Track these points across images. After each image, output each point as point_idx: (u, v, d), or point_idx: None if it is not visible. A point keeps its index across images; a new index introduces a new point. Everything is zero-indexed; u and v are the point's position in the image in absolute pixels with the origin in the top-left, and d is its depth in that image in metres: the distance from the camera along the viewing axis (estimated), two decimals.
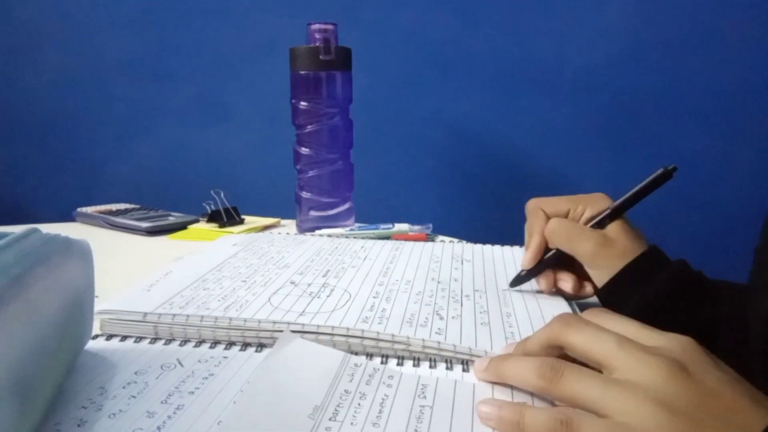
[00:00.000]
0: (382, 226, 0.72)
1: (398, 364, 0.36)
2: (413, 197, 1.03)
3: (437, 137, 1.02)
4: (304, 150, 0.74)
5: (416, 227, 0.72)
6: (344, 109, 0.74)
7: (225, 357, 0.36)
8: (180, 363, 0.35)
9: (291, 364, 0.33)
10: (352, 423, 0.28)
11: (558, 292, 0.48)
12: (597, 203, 0.47)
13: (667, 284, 0.42)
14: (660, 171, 0.46)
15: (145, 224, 0.75)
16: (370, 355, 0.37)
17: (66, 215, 0.85)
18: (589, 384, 0.27)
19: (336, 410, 0.29)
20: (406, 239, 0.67)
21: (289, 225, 0.82)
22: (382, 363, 0.36)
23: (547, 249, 0.48)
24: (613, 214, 0.46)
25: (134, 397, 0.30)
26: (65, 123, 1.07)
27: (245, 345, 0.38)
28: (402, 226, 0.72)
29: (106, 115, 1.06)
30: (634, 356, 0.27)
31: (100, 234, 0.77)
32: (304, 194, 0.75)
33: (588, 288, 0.47)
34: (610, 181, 1.02)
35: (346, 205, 0.76)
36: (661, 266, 0.44)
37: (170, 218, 0.79)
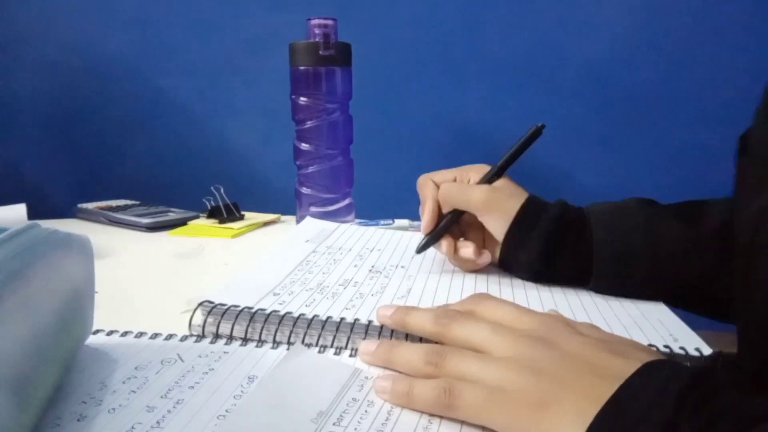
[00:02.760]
0: (382, 222, 0.72)
1: (336, 353, 0.36)
2: (413, 193, 1.03)
3: (437, 133, 1.02)
4: (304, 146, 0.74)
5: (417, 223, 0.72)
6: (344, 105, 0.74)
7: (225, 352, 0.36)
8: (180, 358, 0.35)
9: (299, 372, 0.33)
10: (356, 429, 0.28)
11: (458, 261, 0.52)
12: (480, 171, 0.53)
13: (550, 225, 0.49)
14: (532, 129, 0.53)
15: (145, 220, 0.75)
16: None
17: (66, 211, 0.85)
18: (469, 363, 0.31)
19: (341, 416, 0.29)
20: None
21: (289, 221, 0.82)
22: (319, 353, 0.36)
23: (441, 216, 0.53)
24: (498, 173, 0.52)
25: (134, 392, 0.30)
26: (65, 119, 1.06)
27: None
28: (402, 222, 0.72)
29: (105, 112, 1.06)
30: (506, 339, 0.31)
31: (101, 230, 0.77)
32: (304, 190, 0.75)
33: (485, 255, 0.51)
34: (612, 178, 1.02)
35: (346, 201, 0.76)
36: (542, 210, 0.50)
37: (170, 214, 0.79)
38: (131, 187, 1.01)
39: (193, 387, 0.31)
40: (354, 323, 0.38)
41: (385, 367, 0.34)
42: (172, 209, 0.82)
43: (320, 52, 0.70)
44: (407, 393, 0.30)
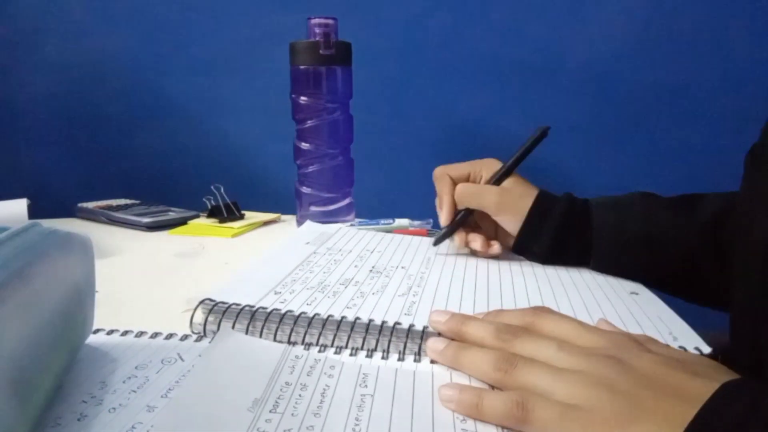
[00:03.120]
0: (382, 222, 0.72)
1: (336, 353, 0.36)
2: (413, 192, 1.03)
3: (438, 132, 1.02)
4: (305, 145, 0.74)
5: (417, 222, 0.72)
6: (344, 104, 0.74)
7: None
8: (180, 357, 0.35)
9: (230, 358, 0.33)
10: (293, 414, 0.28)
11: (471, 251, 0.58)
12: (491, 166, 0.59)
13: (558, 220, 0.54)
14: (538, 132, 0.59)
15: (145, 219, 0.75)
16: None
17: (67, 211, 0.85)
18: (541, 374, 0.30)
19: (276, 402, 0.29)
20: (407, 234, 0.67)
21: (290, 220, 0.82)
22: (320, 352, 0.36)
23: (456, 211, 0.58)
24: (506, 173, 0.57)
25: (134, 391, 0.30)
26: (65, 118, 1.06)
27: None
28: (402, 222, 0.72)
29: (106, 111, 1.06)
30: (574, 356, 0.31)
31: (101, 229, 0.77)
32: (305, 189, 0.75)
33: (495, 247, 0.57)
34: (612, 176, 1.01)
35: (347, 201, 0.76)
36: (552, 204, 0.55)
37: (170, 213, 0.79)
38: (131, 186, 1.01)
39: None
40: (354, 322, 0.38)
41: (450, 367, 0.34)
42: (173, 208, 0.82)
43: (320, 52, 0.70)
44: (476, 405, 0.29)
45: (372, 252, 0.57)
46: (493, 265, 0.56)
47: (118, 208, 0.82)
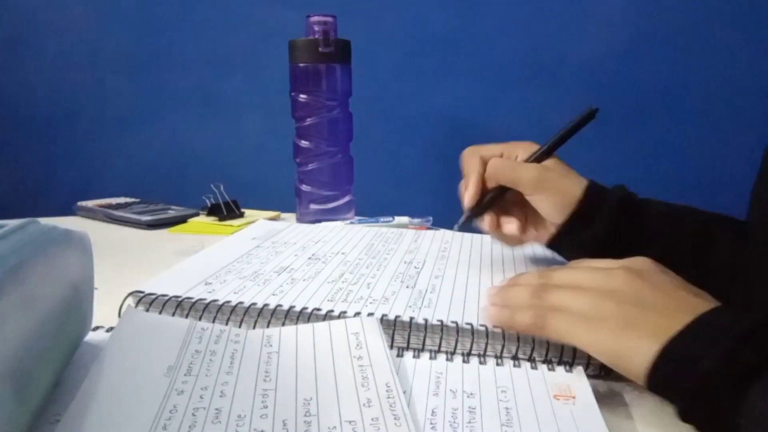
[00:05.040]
0: (382, 219, 0.72)
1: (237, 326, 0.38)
2: (413, 190, 1.03)
3: (437, 130, 1.01)
4: (304, 143, 0.74)
5: (416, 220, 0.72)
6: (344, 102, 0.74)
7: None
8: None
9: (138, 334, 0.34)
10: (206, 375, 0.30)
11: (500, 236, 0.51)
12: (528, 148, 0.51)
13: (613, 210, 0.48)
14: (586, 111, 0.52)
15: (145, 218, 0.75)
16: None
17: (66, 209, 0.85)
18: (565, 293, 0.36)
19: (189, 367, 0.31)
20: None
21: (290, 218, 0.82)
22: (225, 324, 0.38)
23: (485, 192, 0.50)
24: (547, 152, 0.50)
25: None
26: (64, 117, 1.06)
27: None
28: (402, 219, 0.72)
29: (105, 109, 1.06)
30: (599, 273, 0.36)
31: (101, 227, 0.77)
32: (304, 187, 0.75)
33: (531, 232, 0.51)
34: (611, 175, 1.01)
35: (346, 198, 0.76)
36: (605, 194, 0.49)
37: (170, 212, 0.79)
38: (131, 184, 1.01)
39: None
40: (275, 309, 0.38)
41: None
42: (172, 207, 0.82)
43: (320, 49, 0.70)
44: (510, 318, 0.36)
45: (317, 242, 0.57)
46: (434, 244, 0.56)
47: (118, 206, 0.82)
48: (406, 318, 0.37)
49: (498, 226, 0.50)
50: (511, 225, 0.50)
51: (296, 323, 0.37)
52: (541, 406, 0.30)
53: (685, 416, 0.29)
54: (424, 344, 0.37)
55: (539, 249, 0.57)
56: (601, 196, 0.49)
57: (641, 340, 0.30)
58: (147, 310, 0.39)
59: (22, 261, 0.25)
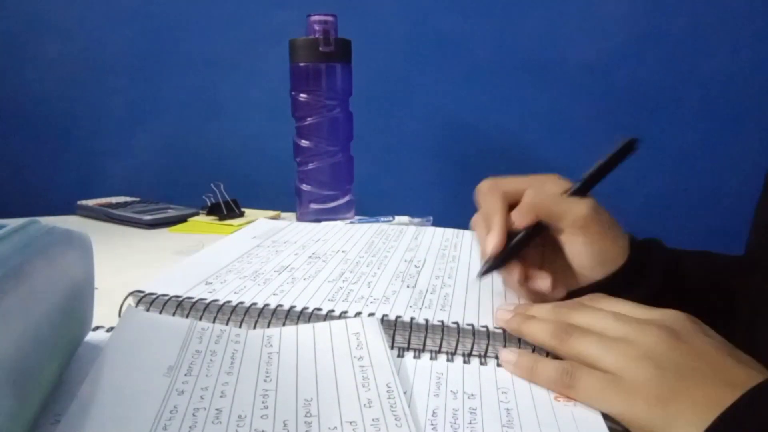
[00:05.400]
0: (382, 219, 0.72)
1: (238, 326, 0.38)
2: (413, 190, 1.03)
3: (437, 130, 1.01)
4: (304, 142, 0.74)
5: (416, 219, 0.72)
6: (344, 102, 0.74)
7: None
8: None
9: (139, 334, 0.34)
10: (207, 375, 0.30)
11: (525, 292, 0.42)
12: (557, 182, 0.43)
13: (657, 277, 0.42)
14: (624, 142, 0.44)
15: (145, 217, 0.75)
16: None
17: (66, 208, 0.85)
18: (592, 343, 0.32)
19: (190, 367, 0.31)
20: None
21: (290, 218, 0.82)
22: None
23: (509, 236, 0.41)
24: (585, 187, 0.42)
25: None
26: (65, 116, 1.06)
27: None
28: (402, 219, 0.72)
29: (105, 108, 1.06)
30: (630, 325, 0.32)
31: (101, 227, 0.77)
32: (305, 187, 0.75)
33: (559, 290, 0.41)
34: (611, 175, 1.01)
35: (347, 198, 0.76)
36: (647, 254, 0.42)
37: (170, 211, 0.79)
38: (131, 183, 1.01)
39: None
40: (276, 309, 0.38)
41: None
42: (172, 206, 0.82)
43: (320, 49, 0.70)
44: (531, 368, 0.33)
45: (318, 241, 0.57)
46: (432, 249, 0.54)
47: (118, 205, 0.82)
48: (406, 318, 0.37)
49: (526, 280, 0.41)
50: (544, 281, 0.40)
51: (297, 323, 0.37)
52: (542, 407, 0.30)
53: None
54: (424, 345, 0.37)
55: None
56: (645, 255, 0.42)
57: (682, 415, 0.27)
58: (147, 310, 0.39)
59: (23, 261, 0.25)
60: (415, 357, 0.36)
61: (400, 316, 0.37)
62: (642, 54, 0.95)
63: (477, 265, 0.50)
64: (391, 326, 0.37)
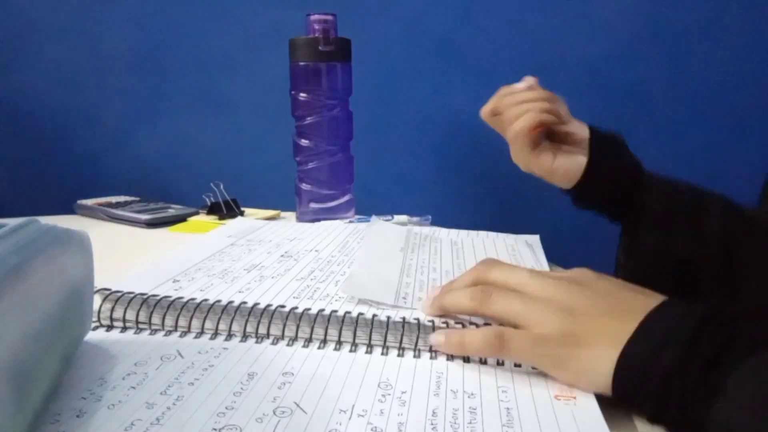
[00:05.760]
0: (381, 218, 0.72)
1: (226, 339, 0.37)
2: (413, 189, 1.03)
3: (437, 129, 1.01)
4: (304, 142, 0.74)
5: (415, 219, 0.72)
6: (344, 101, 0.74)
7: (225, 348, 0.36)
8: (180, 354, 0.35)
9: (379, 230, 0.52)
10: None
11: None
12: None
13: None
14: None
15: (145, 216, 0.75)
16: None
17: (66, 208, 0.85)
18: (512, 301, 0.34)
19: (413, 247, 0.49)
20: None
21: (290, 217, 0.81)
22: (211, 339, 0.36)
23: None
24: None
25: (134, 388, 0.30)
26: (64, 116, 1.06)
27: (245, 336, 0.38)
28: (401, 218, 0.72)
29: (105, 108, 1.06)
30: (542, 281, 0.35)
31: (100, 226, 0.77)
32: (304, 186, 0.75)
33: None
34: None
35: (346, 197, 0.76)
36: None
37: (170, 210, 0.79)
38: (131, 183, 1.01)
39: (192, 383, 0.31)
40: (239, 306, 0.38)
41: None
42: (172, 205, 0.82)
43: (320, 48, 0.70)
44: (461, 342, 0.34)
45: (292, 240, 0.57)
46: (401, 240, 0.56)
47: (118, 205, 0.82)
48: (383, 318, 0.37)
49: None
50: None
51: (259, 320, 0.37)
52: (542, 406, 0.30)
53: (655, 418, 0.29)
54: (416, 344, 0.37)
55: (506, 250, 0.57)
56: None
57: (600, 348, 0.30)
58: (113, 308, 0.39)
59: (23, 261, 0.25)
60: (415, 356, 0.36)
61: (376, 315, 0.38)
62: (642, 54, 0.95)
63: (442, 261, 0.52)
64: (368, 324, 0.37)
